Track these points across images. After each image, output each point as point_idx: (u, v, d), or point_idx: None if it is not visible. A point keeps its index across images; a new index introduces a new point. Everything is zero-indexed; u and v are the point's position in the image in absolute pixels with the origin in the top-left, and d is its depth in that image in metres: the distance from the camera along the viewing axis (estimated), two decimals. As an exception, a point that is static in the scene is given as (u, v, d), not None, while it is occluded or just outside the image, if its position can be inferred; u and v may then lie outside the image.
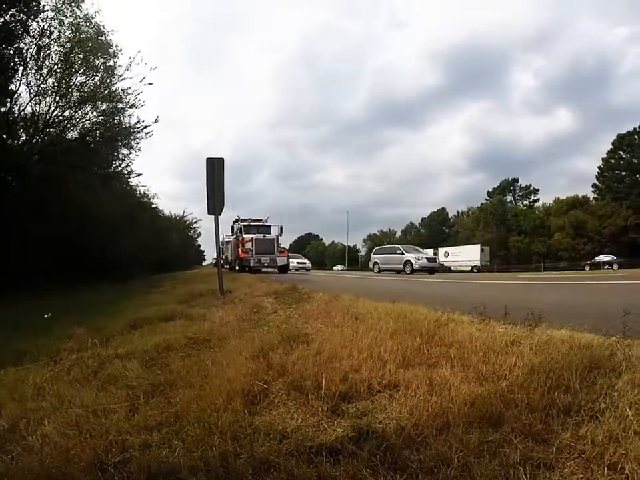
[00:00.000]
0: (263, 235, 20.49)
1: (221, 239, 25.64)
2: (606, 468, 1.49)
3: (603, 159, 49.66)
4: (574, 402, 1.90)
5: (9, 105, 14.65)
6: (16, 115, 15.13)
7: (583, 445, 1.62)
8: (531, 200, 60.62)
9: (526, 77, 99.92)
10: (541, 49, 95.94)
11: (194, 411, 2.25)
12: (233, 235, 23.83)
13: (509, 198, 61.20)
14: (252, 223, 22.23)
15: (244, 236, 20.67)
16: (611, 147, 48.85)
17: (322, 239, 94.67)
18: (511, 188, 61.51)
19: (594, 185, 50.76)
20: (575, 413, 1.83)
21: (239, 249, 20.18)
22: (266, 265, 19.86)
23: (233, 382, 2.54)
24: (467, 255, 43.09)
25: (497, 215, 54.84)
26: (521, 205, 59.95)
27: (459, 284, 11.52)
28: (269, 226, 22.26)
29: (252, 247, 19.63)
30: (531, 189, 60.89)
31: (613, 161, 48.48)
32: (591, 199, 50.69)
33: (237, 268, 20.78)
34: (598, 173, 50.11)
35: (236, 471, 1.70)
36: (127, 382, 2.94)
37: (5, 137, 14.69)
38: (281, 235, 21.69)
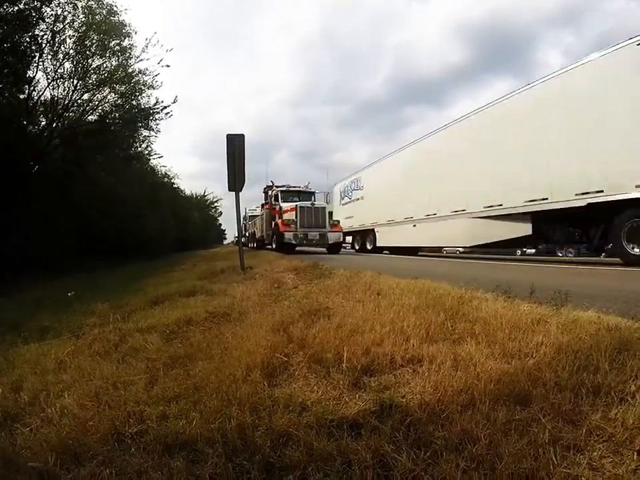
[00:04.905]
0: (310, 203, 15.48)
1: (243, 214, 25.06)
2: (636, 453, 1.43)
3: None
4: (603, 383, 1.82)
5: (27, 91, 14.80)
6: (35, 100, 15.28)
7: (613, 427, 1.56)
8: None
9: (553, 55, 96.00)
10: (569, 26, 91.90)
11: (212, 382, 2.23)
12: (265, 205, 18.83)
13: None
14: (291, 189, 17.53)
15: (282, 205, 15.95)
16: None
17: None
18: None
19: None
20: (604, 394, 1.76)
21: (277, 221, 15.24)
22: (314, 242, 14.89)
23: (253, 354, 2.51)
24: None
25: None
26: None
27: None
28: (313, 193, 17.36)
29: (296, 217, 14.54)
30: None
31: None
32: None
33: (272, 246, 15.83)
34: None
35: (254, 442, 1.66)
36: (147, 355, 2.95)
37: (25, 122, 14.88)
38: (328, 204, 16.72)
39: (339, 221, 16.20)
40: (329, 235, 15.02)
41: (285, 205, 15.79)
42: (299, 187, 17.81)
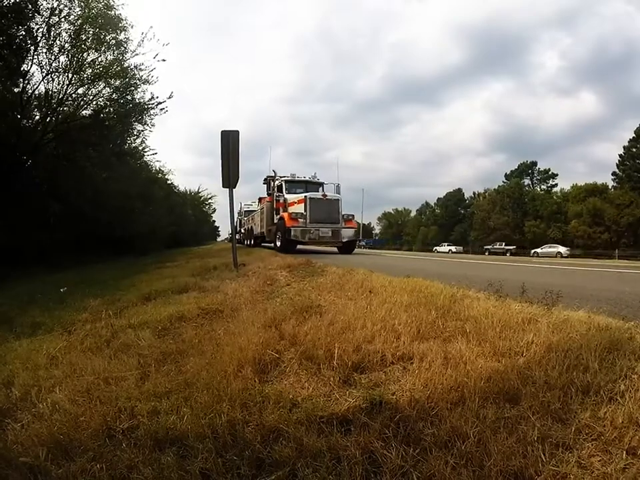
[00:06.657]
0: (321, 194, 13.35)
1: (238, 209, 24.68)
2: (624, 452, 1.43)
3: (624, 147, 47.68)
4: (593, 382, 1.83)
5: (21, 85, 14.68)
6: (29, 94, 15.13)
7: (602, 426, 1.56)
8: (549, 185, 58.91)
9: (550, 57, 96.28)
10: (567, 28, 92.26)
11: (204, 378, 2.23)
12: (265, 198, 15.99)
13: (527, 181, 59.66)
14: (297, 178, 15.03)
15: (287, 196, 13.60)
16: (634, 135, 46.92)
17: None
18: (529, 171, 59.80)
19: (614, 173, 48.97)
20: (593, 393, 1.77)
21: (283, 215, 12.93)
22: (325, 239, 12.71)
23: (244, 350, 2.51)
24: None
25: (514, 198, 53.67)
26: (539, 189, 58.46)
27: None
28: (321, 184, 14.96)
29: (305, 210, 12.29)
30: (550, 173, 58.96)
31: (634, 149, 46.52)
32: (609, 187, 49.10)
33: (277, 244, 13.13)
34: (619, 161, 48.27)
35: (244, 438, 1.67)
36: (139, 350, 2.94)
37: (19, 116, 14.75)
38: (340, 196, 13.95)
39: (353, 216, 13.99)
40: (343, 231, 12.85)
41: (291, 197, 13.44)
42: (306, 178, 15.33)
